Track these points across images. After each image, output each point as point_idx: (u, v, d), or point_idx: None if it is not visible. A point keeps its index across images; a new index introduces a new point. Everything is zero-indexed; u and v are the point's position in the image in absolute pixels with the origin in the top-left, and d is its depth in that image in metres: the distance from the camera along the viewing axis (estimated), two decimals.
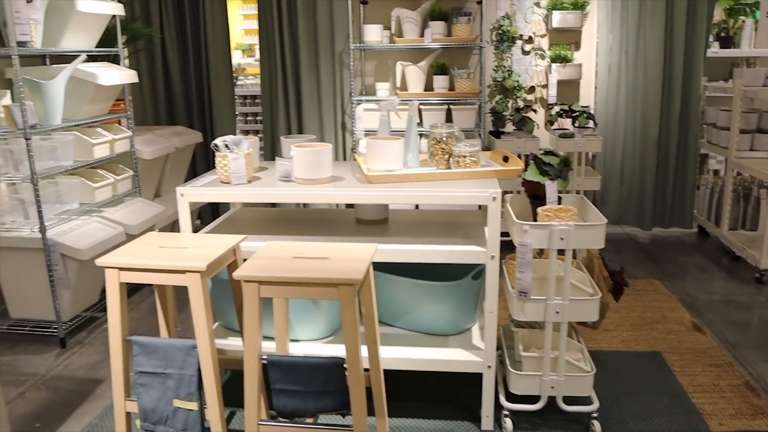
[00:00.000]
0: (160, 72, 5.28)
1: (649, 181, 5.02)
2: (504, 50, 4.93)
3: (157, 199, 4.60)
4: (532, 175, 2.55)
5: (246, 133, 7.48)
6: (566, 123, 4.85)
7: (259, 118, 7.49)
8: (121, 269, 2.15)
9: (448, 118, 4.84)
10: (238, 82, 7.69)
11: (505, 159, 2.81)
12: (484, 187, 2.46)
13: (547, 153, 2.62)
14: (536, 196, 2.58)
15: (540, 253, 3.08)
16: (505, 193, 2.37)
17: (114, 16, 3.88)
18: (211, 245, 2.28)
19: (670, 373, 3.00)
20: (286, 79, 5.16)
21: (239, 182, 2.64)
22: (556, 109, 4.53)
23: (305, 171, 2.59)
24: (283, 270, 2.00)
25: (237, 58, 8.63)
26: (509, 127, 4.95)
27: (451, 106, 4.78)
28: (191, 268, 2.09)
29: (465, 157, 2.67)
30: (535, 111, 4.89)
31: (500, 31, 4.87)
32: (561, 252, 2.37)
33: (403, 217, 3.00)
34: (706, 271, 4.34)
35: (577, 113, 4.37)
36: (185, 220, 2.61)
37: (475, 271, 2.74)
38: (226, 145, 2.66)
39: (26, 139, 3.17)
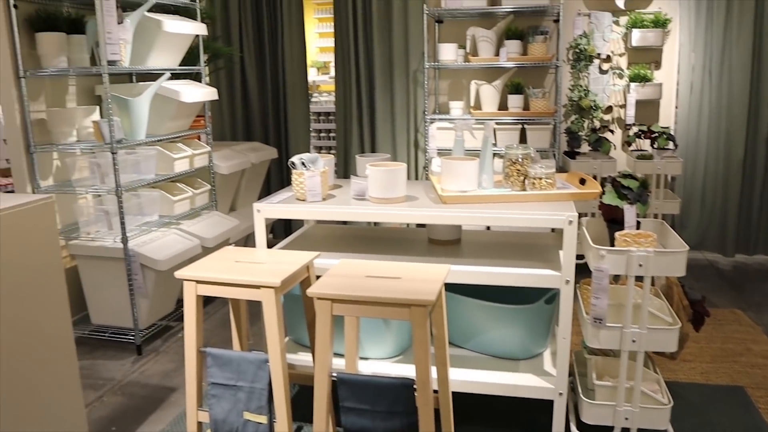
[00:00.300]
0: (239, 89, 5.44)
1: (733, 205, 4.82)
2: (581, 69, 4.85)
3: (232, 213, 4.72)
4: (610, 198, 2.48)
5: (319, 149, 7.60)
6: (644, 144, 4.72)
7: (332, 134, 7.60)
8: (198, 282, 2.21)
9: (522, 138, 4.79)
10: (312, 99, 7.82)
11: (582, 181, 2.75)
12: (560, 210, 2.41)
13: (626, 176, 2.54)
14: (614, 220, 2.51)
15: (616, 278, 2.99)
16: (580, 215, 2.30)
17: (197, 36, 4.03)
18: (285, 261, 2.32)
19: (755, 410, 2.85)
20: (360, 97, 5.22)
21: (314, 200, 2.67)
22: (635, 129, 4.41)
23: (380, 190, 2.60)
24: (355, 289, 2.01)
25: (312, 75, 8.79)
26: (585, 147, 4.85)
27: (526, 126, 4.73)
28: (266, 283, 2.12)
29: (541, 179, 2.62)
30: (612, 131, 4.77)
31: (577, 50, 4.79)
32: (639, 278, 2.29)
33: (475, 238, 2.97)
34: None
35: (657, 134, 4.25)
36: (261, 235, 2.67)
37: (549, 295, 2.69)
38: (303, 163, 2.71)
39: (113, 153, 3.31)
